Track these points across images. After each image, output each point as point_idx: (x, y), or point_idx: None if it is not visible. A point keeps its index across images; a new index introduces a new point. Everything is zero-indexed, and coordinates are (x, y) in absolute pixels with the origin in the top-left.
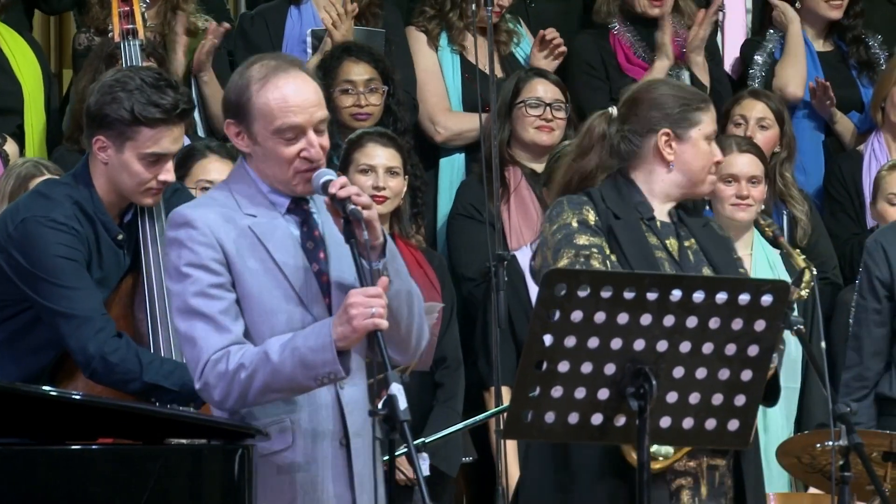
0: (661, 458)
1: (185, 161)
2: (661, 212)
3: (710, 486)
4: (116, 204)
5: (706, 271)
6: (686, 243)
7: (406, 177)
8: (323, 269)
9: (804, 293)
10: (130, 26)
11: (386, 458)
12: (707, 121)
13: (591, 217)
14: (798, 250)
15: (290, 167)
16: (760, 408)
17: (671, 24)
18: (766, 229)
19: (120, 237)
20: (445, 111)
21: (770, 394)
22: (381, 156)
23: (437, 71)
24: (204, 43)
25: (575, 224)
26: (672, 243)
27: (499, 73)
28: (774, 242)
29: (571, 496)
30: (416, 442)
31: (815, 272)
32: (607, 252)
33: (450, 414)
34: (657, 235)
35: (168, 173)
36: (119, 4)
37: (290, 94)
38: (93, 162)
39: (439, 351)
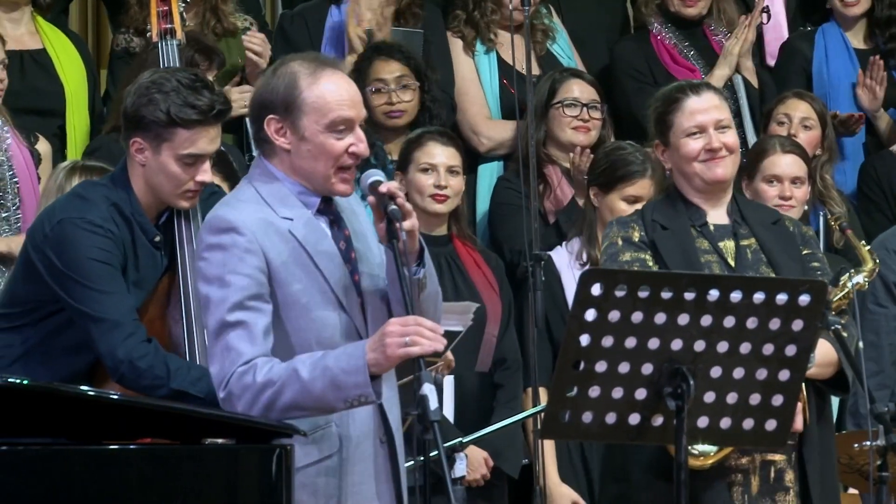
0: (699, 456)
1: None
2: (716, 215)
3: (762, 481)
4: (154, 206)
5: (764, 270)
6: (744, 242)
7: (464, 176)
8: (354, 269)
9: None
10: (169, 26)
11: (421, 458)
12: (677, 120)
13: (636, 235)
14: (863, 242)
15: (337, 163)
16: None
17: (743, 34)
18: (833, 224)
19: (157, 239)
20: (486, 120)
21: (842, 384)
22: (441, 154)
23: (474, 78)
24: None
25: (620, 242)
26: (727, 245)
27: (536, 71)
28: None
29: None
30: (453, 442)
31: (878, 262)
32: (650, 265)
33: (511, 415)
34: (709, 240)
35: (205, 174)
36: (157, 4)
37: (343, 88)
38: (130, 164)
39: (499, 352)
